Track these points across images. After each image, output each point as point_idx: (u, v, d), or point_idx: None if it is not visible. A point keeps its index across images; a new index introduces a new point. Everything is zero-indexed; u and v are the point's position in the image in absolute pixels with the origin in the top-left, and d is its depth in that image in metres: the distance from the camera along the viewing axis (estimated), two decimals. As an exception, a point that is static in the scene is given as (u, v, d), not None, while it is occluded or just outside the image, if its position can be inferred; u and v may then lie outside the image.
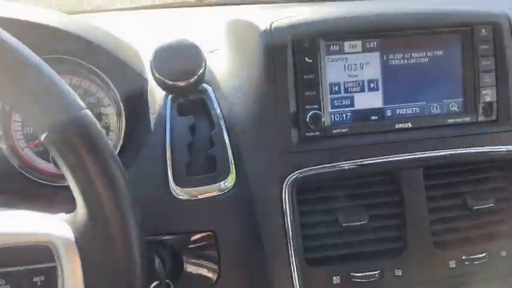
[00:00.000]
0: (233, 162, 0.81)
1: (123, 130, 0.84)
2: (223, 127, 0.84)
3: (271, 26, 0.79)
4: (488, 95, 0.84)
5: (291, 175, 0.77)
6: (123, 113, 0.84)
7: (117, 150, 0.83)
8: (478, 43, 0.83)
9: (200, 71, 0.76)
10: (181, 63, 0.75)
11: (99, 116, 0.85)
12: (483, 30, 0.83)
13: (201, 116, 0.89)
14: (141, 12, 1.40)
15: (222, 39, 0.96)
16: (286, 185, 0.77)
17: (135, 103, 0.86)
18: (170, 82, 0.76)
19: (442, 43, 0.83)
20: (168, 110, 0.87)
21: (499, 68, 0.84)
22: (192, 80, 0.75)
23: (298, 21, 0.79)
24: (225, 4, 1.39)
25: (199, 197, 0.79)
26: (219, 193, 0.80)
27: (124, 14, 1.39)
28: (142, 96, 0.88)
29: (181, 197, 0.79)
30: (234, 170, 0.81)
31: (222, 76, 0.90)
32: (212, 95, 0.88)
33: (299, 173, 0.78)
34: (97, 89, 0.85)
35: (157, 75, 0.77)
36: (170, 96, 0.88)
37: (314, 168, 0.78)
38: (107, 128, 0.86)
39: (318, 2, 1.30)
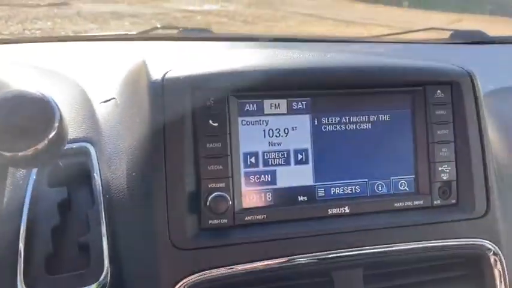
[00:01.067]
0: (108, 257, 0.60)
1: None
2: (102, 204, 0.63)
3: (163, 76, 0.59)
4: (446, 172, 0.66)
5: (183, 282, 0.56)
6: None
7: None
8: (432, 107, 0.66)
9: (52, 133, 0.53)
10: (20, 127, 0.53)
11: None
12: (438, 91, 0.66)
13: (79, 187, 0.67)
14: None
15: (120, 86, 0.75)
16: None
17: None
18: (7, 153, 0.53)
19: (388, 106, 0.66)
20: (32, 180, 0.65)
21: (459, 139, 0.67)
22: (40, 147, 0.53)
23: (201, 72, 0.60)
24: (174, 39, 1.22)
25: None
26: None
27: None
28: None
29: None
30: (108, 270, 0.59)
31: (110, 135, 0.68)
32: (94, 159, 0.67)
33: (196, 278, 0.57)
34: None
35: None
36: None
37: (218, 272, 0.57)
38: None
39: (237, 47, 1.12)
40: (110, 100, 0.74)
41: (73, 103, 0.75)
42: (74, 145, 0.68)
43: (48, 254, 0.60)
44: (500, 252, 0.66)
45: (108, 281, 0.59)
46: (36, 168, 0.66)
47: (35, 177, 0.65)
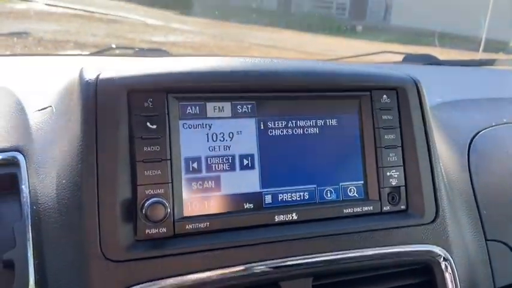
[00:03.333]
0: (34, 275, 0.54)
1: None
2: (29, 217, 0.58)
3: (97, 77, 0.55)
4: (395, 177, 0.65)
5: None
6: None
7: None
8: (379, 112, 0.65)
9: None
10: None
11: None
12: (384, 96, 0.66)
13: (7, 199, 0.62)
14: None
15: (57, 95, 0.71)
16: None
17: None
18: None
19: (335, 110, 0.65)
20: None
21: (406, 144, 0.66)
22: None
23: (139, 72, 0.57)
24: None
25: None
26: None
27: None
28: None
29: None
30: (33, 286, 0.53)
31: (42, 142, 0.64)
32: (24, 169, 0.62)
33: None
34: None
35: None
36: None
37: (154, 285, 0.53)
38: None
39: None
40: (46, 108, 0.70)
41: (4, 112, 0.70)
42: (2, 155, 0.63)
43: None
44: (450, 258, 0.64)
45: None
46: None
47: None
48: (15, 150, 0.64)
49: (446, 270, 0.64)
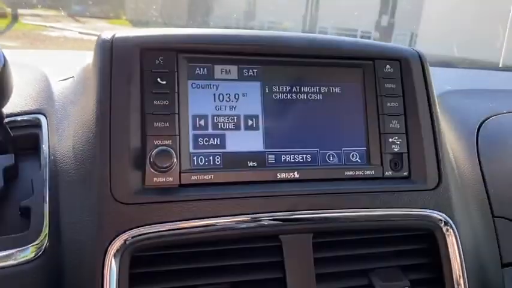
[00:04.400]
0: (48, 217, 0.57)
1: None
2: (47, 168, 0.62)
3: (113, 36, 0.60)
4: (397, 144, 0.66)
5: (120, 236, 0.54)
6: None
7: None
8: (382, 80, 0.67)
9: None
10: None
11: None
12: (388, 66, 0.68)
13: (28, 155, 0.66)
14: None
15: (80, 67, 0.76)
16: (111, 252, 0.53)
17: None
18: None
19: (339, 78, 0.67)
20: None
21: (409, 112, 0.68)
22: None
23: (151, 33, 0.61)
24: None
25: None
26: (18, 263, 0.54)
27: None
28: None
29: None
30: (46, 231, 0.57)
31: (62, 103, 0.69)
32: (45, 128, 0.66)
33: (137, 232, 0.54)
34: None
35: None
36: None
37: (157, 229, 0.55)
38: None
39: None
40: (68, 79, 0.75)
41: (30, 81, 0.75)
42: (26, 117, 0.68)
43: None
44: (453, 225, 0.64)
45: (47, 242, 0.56)
46: None
47: None
48: (38, 113, 0.69)
49: (449, 237, 0.64)
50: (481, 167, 0.78)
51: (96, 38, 0.62)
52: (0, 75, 0.52)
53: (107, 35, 0.61)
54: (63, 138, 0.63)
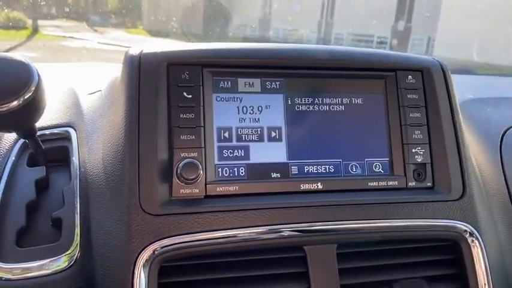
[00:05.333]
0: (79, 228, 0.59)
1: None
2: (78, 180, 0.64)
3: (140, 52, 0.62)
4: (420, 154, 0.67)
5: (148, 247, 0.55)
6: None
7: None
8: (404, 91, 0.68)
9: (28, 94, 0.55)
10: None
11: None
12: (410, 76, 0.69)
13: (59, 167, 0.69)
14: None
15: (107, 81, 0.79)
16: (141, 262, 0.55)
17: None
18: None
19: (361, 89, 0.68)
20: (12, 158, 0.66)
21: (432, 122, 0.68)
22: (15, 104, 0.54)
23: (177, 49, 0.63)
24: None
25: (21, 276, 0.56)
26: (51, 272, 0.56)
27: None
28: None
29: None
30: (78, 241, 0.59)
31: (91, 117, 0.71)
32: (75, 141, 0.69)
33: (164, 245, 0.56)
34: None
35: None
36: (22, 141, 0.69)
37: (184, 239, 0.56)
38: None
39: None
40: (96, 92, 0.78)
41: (59, 95, 0.78)
42: (56, 130, 0.71)
43: (21, 228, 0.60)
44: (478, 236, 0.64)
45: (78, 252, 0.58)
46: (16, 149, 0.68)
47: (14, 158, 0.67)
48: (67, 126, 0.71)
49: (474, 247, 0.64)
50: (505, 176, 0.77)
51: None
52: (35, 92, 0.54)
53: (135, 50, 0.63)
54: (92, 151, 0.65)
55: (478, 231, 0.64)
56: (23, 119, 0.57)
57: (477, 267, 0.63)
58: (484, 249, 0.64)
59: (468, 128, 0.83)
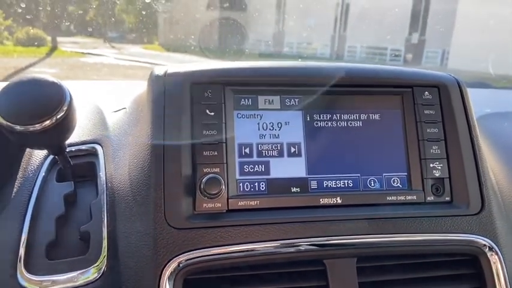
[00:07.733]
0: (106, 241, 0.61)
1: None
2: (105, 195, 0.66)
3: (165, 71, 0.65)
4: (438, 169, 0.67)
5: (174, 260, 0.57)
6: None
7: None
8: (421, 107, 0.69)
9: (61, 114, 0.58)
10: (32, 103, 0.58)
11: None
12: (426, 92, 0.70)
13: (86, 182, 0.71)
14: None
15: (132, 99, 0.82)
16: (166, 275, 0.56)
17: None
18: (18, 127, 0.58)
19: (379, 105, 0.69)
20: (42, 174, 0.69)
21: (449, 137, 0.69)
22: (49, 123, 0.57)
23: (200, 68, 0.66)
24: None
25: None
26: (79, 285, 0.58)
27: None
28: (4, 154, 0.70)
29: None
30: (105, 253, 0.61)
31: (117, 134, 0.73)
32: (101, 157, 0.71)
33: (188, 258, 0.57)
34: None
35: (1, 119, 0.57)
36: (51, 157, 0.71)
37: (208, 252, 0.58)
38: None
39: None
40: (120, 110, 0.81)
41: (86, 113, 0.81)
42: (84, 146, 0.74)
43: (51, 241, 0.62)
44: (498, 250, 0.64)
45: (106, 264, 0.60)
46: (46, 165, 0.71)
47: (44, 173, 0.70)
48: (94, 143, 0.74)
49: (494, 262, 0.64)
50: None
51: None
52: (67, 111, 0.57)
53: (160, 70, 0.65)
54: (119, 167, 0.68)
55: (497, 246, 0.64)
56: (54, 137, 0.60)
57: (496, 281, 0.63)
58: (503, 264, 0.64)
59: (486, 142, 0.83)
